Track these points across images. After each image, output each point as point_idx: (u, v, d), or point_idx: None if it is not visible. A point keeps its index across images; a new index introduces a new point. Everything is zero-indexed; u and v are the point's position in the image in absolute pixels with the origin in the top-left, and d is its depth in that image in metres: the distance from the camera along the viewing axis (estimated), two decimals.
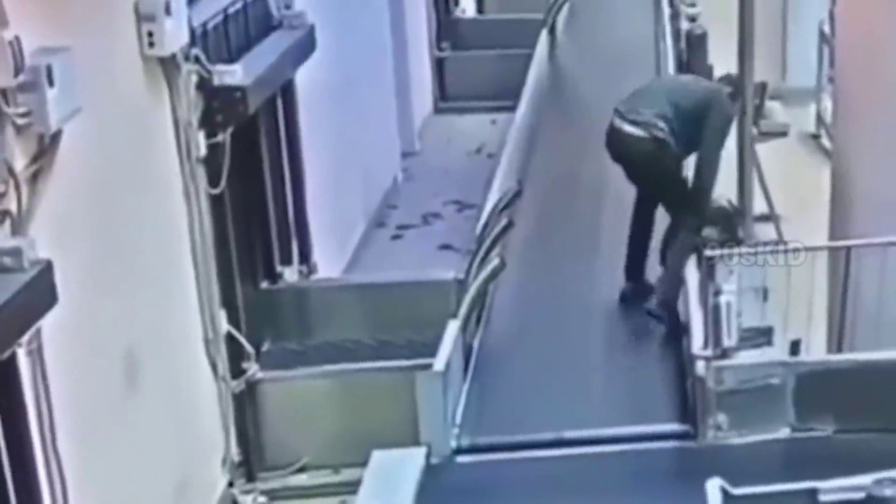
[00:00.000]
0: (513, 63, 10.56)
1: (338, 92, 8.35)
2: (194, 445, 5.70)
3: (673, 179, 5.84)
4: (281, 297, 6.82)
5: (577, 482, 5.02)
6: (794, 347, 5.07)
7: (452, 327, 5.34)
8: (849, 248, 5.41)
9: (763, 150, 9.23)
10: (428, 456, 4.92)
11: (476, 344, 5.85)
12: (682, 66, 9.28)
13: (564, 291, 6.22)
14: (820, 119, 10.90)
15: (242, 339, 6.06)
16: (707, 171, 5.78)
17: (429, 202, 9.93)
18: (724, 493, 3.92)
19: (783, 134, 9.55)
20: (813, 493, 3.90)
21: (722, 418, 4.90)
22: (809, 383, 4.92)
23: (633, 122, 5.74)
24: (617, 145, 5.88)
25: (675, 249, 5.71)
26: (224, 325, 5.91)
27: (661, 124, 5.68)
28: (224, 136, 5.69)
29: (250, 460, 6.13)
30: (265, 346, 6.56)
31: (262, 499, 6.06)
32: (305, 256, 7.09)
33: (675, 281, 5.59)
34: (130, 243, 5.09)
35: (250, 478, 6.12)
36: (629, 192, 6.09)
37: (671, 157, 5.74)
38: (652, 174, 5.81)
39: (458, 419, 5.19)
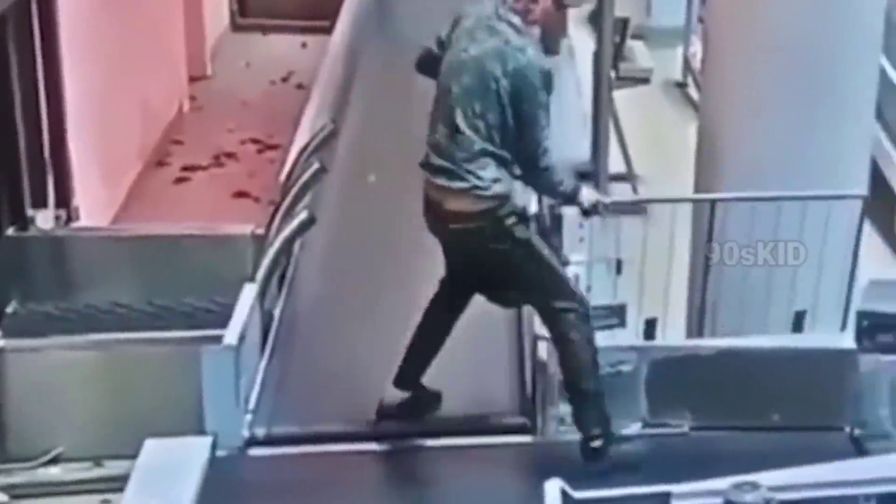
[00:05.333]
0: None
1: None
2: None
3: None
4: (31, 248, 6.71)
5: (391, 482, 5.10)
6: (649, 329, 5.27)
7: (248, 292, 5.34)
8: (713, 207, 5.63)
9: (621, 97, 9.50)
10: (214, 447, 4.91)
11: (277, 313, 5.87)
12: None
13: (386, 252, 6.27)
14: (687, 65, 11.27)
15: None
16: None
17: (222, 139, 9.83)
18: (565, 496, 4.02)
19: (645, 80, 9.83)
20: (665, 497, 4.05)
21: (565, 410, 5.05)
22: (665, 372, 5.13)
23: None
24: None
25: (572, 358, 4.81)
26: None
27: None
28: None
29: None
30: (10, 308, 6.46)
31: (2, 497, 5.93)
32: (64, 198, 6.97)
33: (599, 400, 4.85)
34: None
35: None
36: None
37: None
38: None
39: (253, 404, 5.20)
